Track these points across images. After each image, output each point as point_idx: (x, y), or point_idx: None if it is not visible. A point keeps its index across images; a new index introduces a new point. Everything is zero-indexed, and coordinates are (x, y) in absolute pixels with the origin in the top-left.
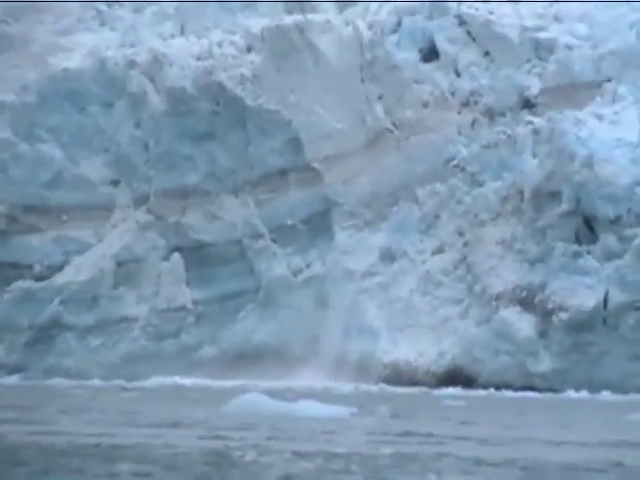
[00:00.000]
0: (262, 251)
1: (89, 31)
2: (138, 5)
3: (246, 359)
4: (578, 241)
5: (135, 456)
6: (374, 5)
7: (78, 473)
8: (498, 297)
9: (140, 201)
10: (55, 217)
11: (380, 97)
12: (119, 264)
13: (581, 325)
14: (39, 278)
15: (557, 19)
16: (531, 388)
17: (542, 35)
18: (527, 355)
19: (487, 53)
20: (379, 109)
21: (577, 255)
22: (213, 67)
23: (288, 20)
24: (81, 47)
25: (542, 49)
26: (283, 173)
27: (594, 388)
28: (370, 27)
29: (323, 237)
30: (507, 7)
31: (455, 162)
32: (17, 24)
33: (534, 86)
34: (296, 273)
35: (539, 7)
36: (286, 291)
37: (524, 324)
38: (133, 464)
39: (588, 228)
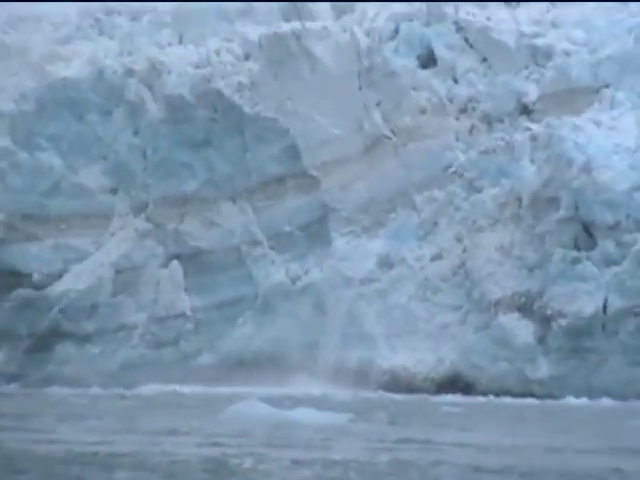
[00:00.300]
0: (260, 258)
1: (87, 40)
2: (136, 13)
3: (244, 366)
4: (577, 247)
5: (133, 464)
6: (371, 11)
7: None
8: (497, 303)
9: (138, 209)
10: (54, 225)
11: (378, 104)
12: (118, 272)
13: (580, 331)
14: (38, 286)
15: (554, 25)
16: (530, 395)
17: (539, 41)
18: (526, 361)
19: (485, 59)
20: (377, 115)
21: (576, 261)
22: (211, 75)
23: (285, 27)
24: (79, 56)
25: (540, 55)
26: (281, 180)
27: (593, 394)
28: (367, 34)
29: (321, 244)
30: (504, 13)
31: (453, 168)
32: (15, 33)
33: (532, 92)
34: (294, 280)
35: (536, 13)
36: (284, 298)
37: (523, 330)
38: (131, 472)
39: (587, 234)
